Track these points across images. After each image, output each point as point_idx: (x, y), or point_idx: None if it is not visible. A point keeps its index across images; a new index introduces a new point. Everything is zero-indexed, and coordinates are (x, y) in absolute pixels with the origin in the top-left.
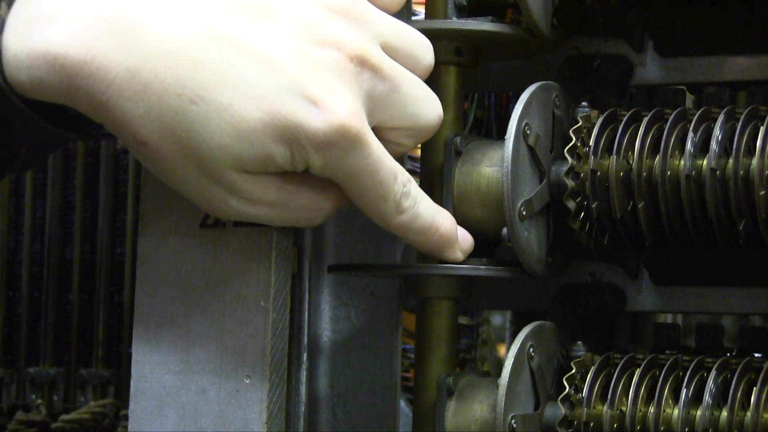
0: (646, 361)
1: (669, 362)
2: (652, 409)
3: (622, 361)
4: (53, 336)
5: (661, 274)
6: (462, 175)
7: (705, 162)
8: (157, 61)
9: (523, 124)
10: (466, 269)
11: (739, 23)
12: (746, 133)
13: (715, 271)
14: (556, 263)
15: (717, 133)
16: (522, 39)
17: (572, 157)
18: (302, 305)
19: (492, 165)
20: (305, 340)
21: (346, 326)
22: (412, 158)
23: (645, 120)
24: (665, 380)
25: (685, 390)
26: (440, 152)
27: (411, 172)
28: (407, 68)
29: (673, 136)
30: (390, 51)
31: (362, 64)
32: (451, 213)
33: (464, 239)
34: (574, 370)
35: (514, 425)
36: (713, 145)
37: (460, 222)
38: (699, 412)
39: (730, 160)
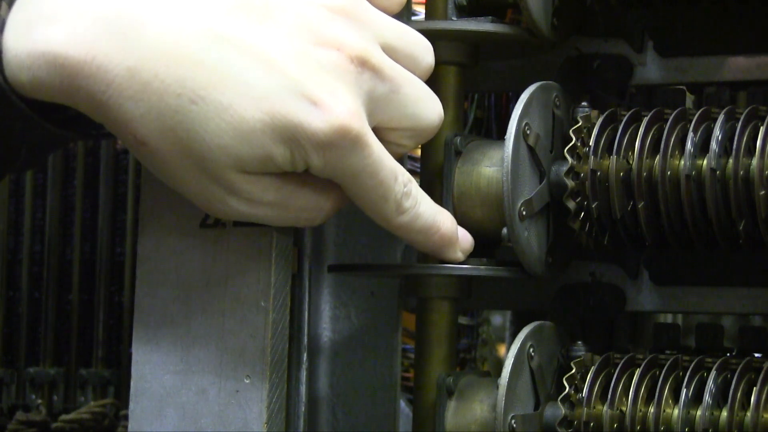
0: (646, 361)
1: (669, 362)
2: (652, 409)
3: (622, 361)
4: (53, 336)
5: (661, 274)
6: (462, 175)
7: (705, 162)
8: (157, 60)
9: (523, 124)
10: (466, 269)
11: (739, 23)
12: (746, 133)
13: (715, 271)
14: (556, 263)
15: (717, 133)
16: (522, 39)
17: (572, 157)
18: (302, 305)
19: (492, 165)
20: (305, 340)
21: (346, 326)
22: (412, 158)
23: (645, 120)
24: (665, 380)
25: (685, 390)
26: (440, 152)
27: (411, 172)
28: (407, 69)
29: (673, 136)
30: (390, 52)
31: (362, 64)
32: (451, 213)
33: (464, 239)
34: (574, 370)
35: (514, 425)
36: (713, 145)
37: (460, 222)
38: (699, 412)
39: (730, 160)
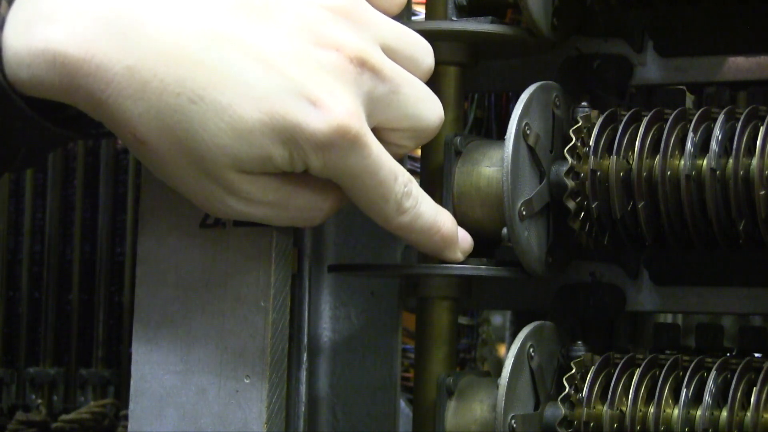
0: (646, 361)
1: (669, 362)
2: (652, 409)
3: (622, 361)
4: (53, 336)
5: (661, 274)
6: (462, 175)
7: (705, 162)
8: (156, 60)
9: (523, 124)
10: (466, 269)
11: (739, 23)
12: (746, 133)
13: (715, 271)
14: (556, 263)
15: (717, 133)
16: (522, 39)
17: (572, 157)
18: (302, 305)
19: (492, 165)
20: (305, 340)
21: (346, 326)
22: (412, 158)
23: (645, 120)
24: (665, 380)
25: (685, 390)
26: (440, 152)
27: (411, 172)
28: (407, 70)
29: (673, 136)
30: (390, 53)
31: (362, 65)
32: (451, 213)
33: (464, 239)
34: (574, 370)
35: (514, 425)
36: (713, 145)
37: (460, 222)
38: (699, 412)
39: (730, 160)
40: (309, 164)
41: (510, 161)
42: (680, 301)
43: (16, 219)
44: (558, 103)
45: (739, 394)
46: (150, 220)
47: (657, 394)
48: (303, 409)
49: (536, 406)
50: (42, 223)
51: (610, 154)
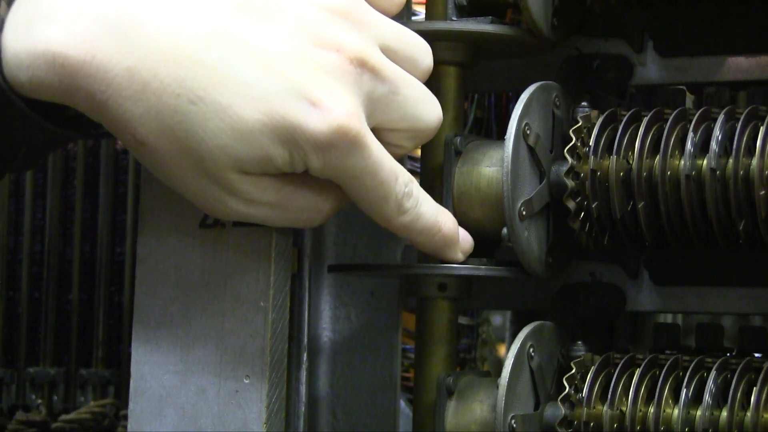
0: (646, 361)
1: (669, 362)
2: (652, 409)
3: (622, 361)
4: (53, 336)
5: (661, 274)
6: (462, 175)
7: (705, 162)
8: (156, 60)
9: (523, 124)
10: (466, 269)
11: (739, 23)
12: (746, 133)
13: (715, 271)
14: (556, 263)
15: (717, 133)
16: (522, 39)
17: (572, 157)
18: (302, 305)
19: (492, 165)
20: (305, 340)
21: (346, 326)
22: (412, 158)
23: (645, 120)
24: (665, 380)
25: (685, 390)
26: (440, 152)
27: (411, 172)
28: (406, 70)
29: (673, 136)
30: (389, 53)
31: (362, 65)
32: (451, 213)
33: (464, 240)
34: (574, 370)
35: (514, 425)
36: (713, 145)
37: (460, 222)
38: (699, 412)
39: (730, 160)
40: (309, 165)
41: (510, 161)
42: (680, 301)
43: (16, 219)
44: (558, 103)
45: (739, 394)
46: (150, 220)
47: (657, 394)
48: (303, 409)
49: (536, 406)
50: (42, 223)
51: (610, 154)
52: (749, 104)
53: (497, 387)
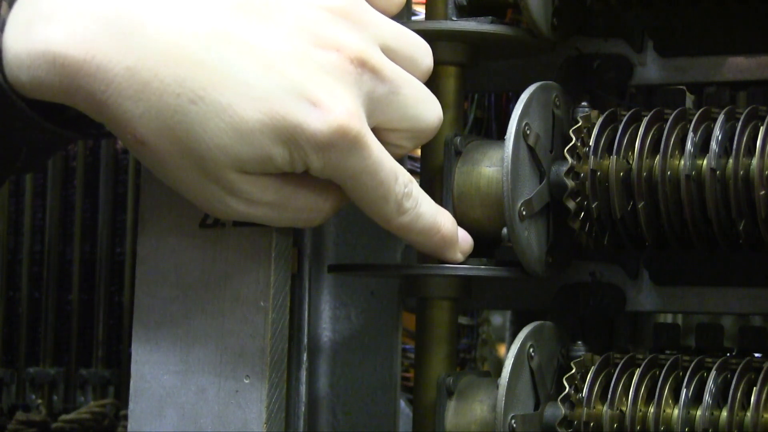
0: (646, 361)
1: (669, 362)
2: (652, 409)
3: (622, 361)
4: (53, 336)
5: (661, 274)
6: (462, 175)
7: (705, 162)
8: (156, 60)
9: (523, 124)
10: (466, 269)
11: (739, 23)
12: (746, 133)
13: (715, 271)
14: (556, 263)
15: (717, 133)
16: (522, 39)
17: (572, 157)
18: (302, 305)
19: (492, 165)
20: (305, 340)
21: (346, 326)
22: (412, 158)
23: (645, 120)
24: (665, 380)
25: (685, 390)
26: (440, 152)
27: (411, 172)
28: (407, 71)
29: (673, 136)
30: (389, 53)
31: (362, 65)
32: (451, 213)
33: (464, 240)
34: (574, 370)
35: (514, 425)
36: (713, 145)
37: (460, 222)
38: (699, 412)
39: (730, 160)
40: (309, 165)
41: (510, 161)
42: (680, 301)
43: (16, 219)
44: (558, 103)
45: (739, 394)
46: (150, 220)
47: (657, 394)
48: (303, 409)
49: (536, 406)
50: (42, 223)
51: (610, 154)
52: (749, 104)
53: (497, 387)
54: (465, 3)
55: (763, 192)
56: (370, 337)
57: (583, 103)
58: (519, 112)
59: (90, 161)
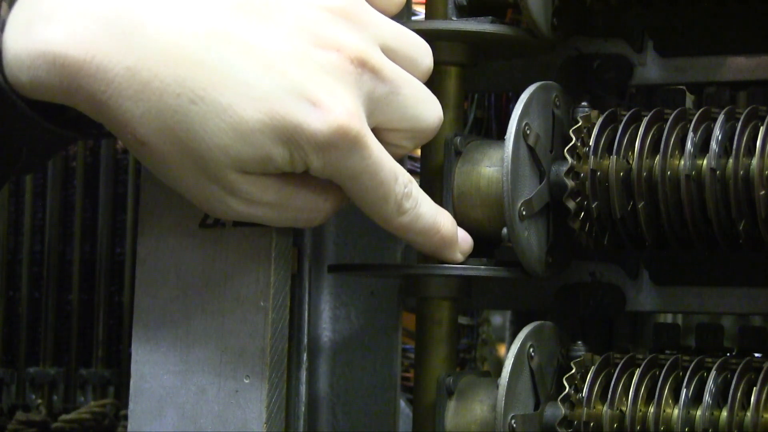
0: (646, 361)
1: (669, 362)
2: (652, 409)
3: (622, 361)
4: (53, 336)
5: (661, 274)
6: (462, 175)
7: (705, 162)
8: (156, 60)
9: (523, 124)
10: (466, 269)
11: (739, 23)
12: (746, 133)
13: (715, 271)
14: (556, 263)
15: (717, 133)
16: (522, 39)
17: (572, 157)
18: (302, 305)
19: (492, 165)
20: (305, 340)
21: (346, 326)
22: (412, 158)
23: (645, 120)
24: (665, 380)
25: (685, 390)
26: (440, 152)
27: (411, 172)
28: (406, 70)
29: (673, 136)
30: (389, 53)
31: (362, 65)
32: (451, 213)
33: (464, 240)
34: (574, 370)
35: (514, 425)
36: (713, 145)
37: (460, 222)
38: (699, 412)
39: (730, 160)
40: (309, 165)
41: (510, 161)
42: (680, 301)
43: (16, 219)
44: (558, 103)
45: (739, 394)
46: (150, 220)
47: (657, 394)
48: (303, 409)
49: (536, 406)
50: (42, 223)
51: (610, 154)
52: (749, 104)
53: (497, 387)
54: (465, 3)
55: (763, 192)
56: (370, 337)
57: (583, 103)
58: (519, 112)
59: (90, 161)
